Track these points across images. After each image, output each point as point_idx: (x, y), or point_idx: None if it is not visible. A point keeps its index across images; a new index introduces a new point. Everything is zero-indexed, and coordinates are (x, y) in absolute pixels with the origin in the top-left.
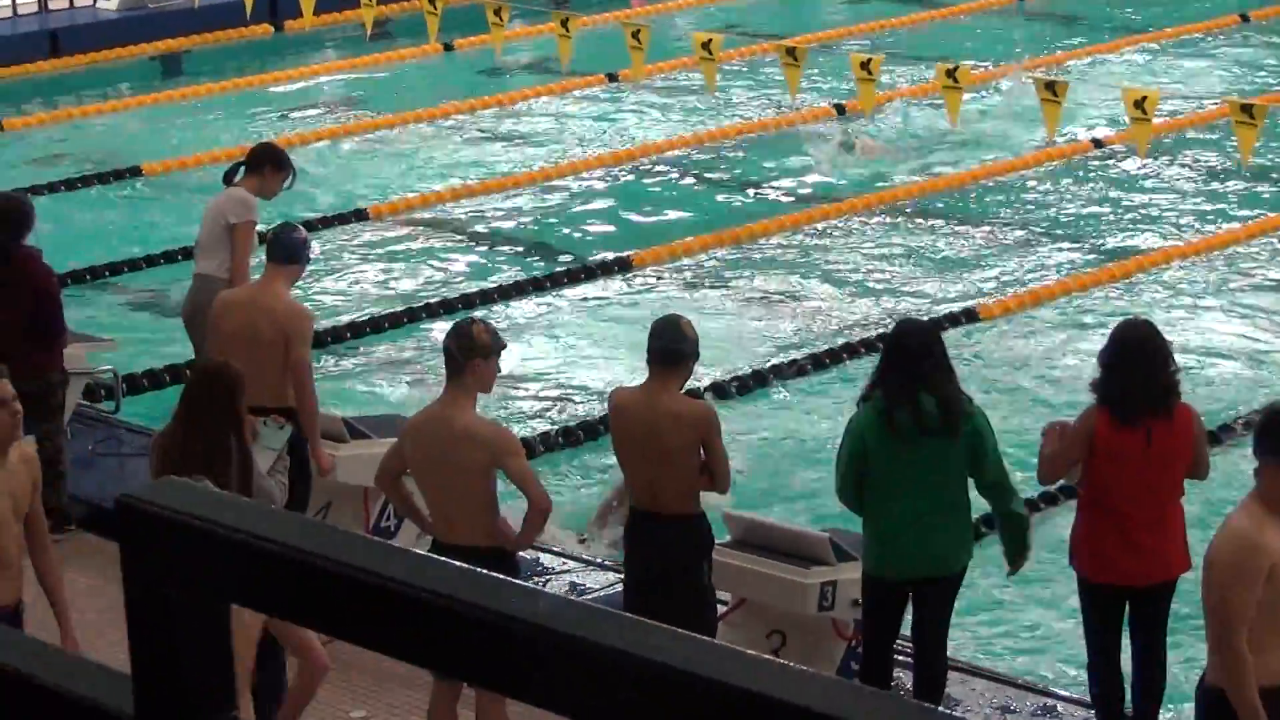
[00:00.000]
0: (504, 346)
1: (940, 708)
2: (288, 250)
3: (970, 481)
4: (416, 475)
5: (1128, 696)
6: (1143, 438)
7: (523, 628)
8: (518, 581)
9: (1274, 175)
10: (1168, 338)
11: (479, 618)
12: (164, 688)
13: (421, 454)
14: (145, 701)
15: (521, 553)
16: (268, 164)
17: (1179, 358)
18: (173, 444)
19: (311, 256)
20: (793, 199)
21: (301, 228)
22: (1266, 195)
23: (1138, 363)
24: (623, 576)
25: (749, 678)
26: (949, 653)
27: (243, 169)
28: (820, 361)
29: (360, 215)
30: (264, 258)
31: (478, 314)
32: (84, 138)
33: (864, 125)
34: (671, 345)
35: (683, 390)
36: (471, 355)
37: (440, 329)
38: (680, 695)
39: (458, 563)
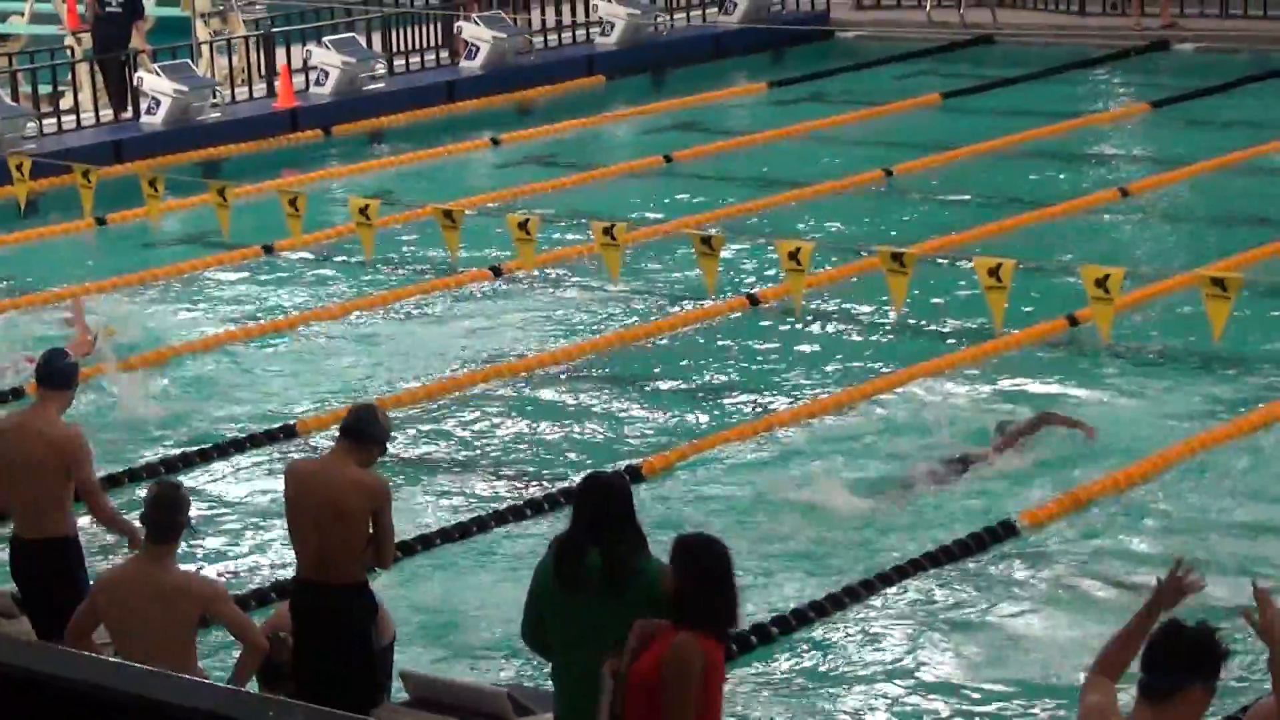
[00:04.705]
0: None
1: None
2: (60, 376)
3: None
4: (116, 634)
5: None
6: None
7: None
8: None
9: (924, 326)
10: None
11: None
12: None
13: (122, 612)
14: None
15: None
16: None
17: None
18: None
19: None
20: (454, 362)
21: (70, 353)
22: (919, 346)
23: (730, 577)
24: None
25: None
26: None
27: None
28: (485, 524)
29: (17, 393)
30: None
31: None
32: None
33: None
34: (363, 425)
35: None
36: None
37: None
38: None
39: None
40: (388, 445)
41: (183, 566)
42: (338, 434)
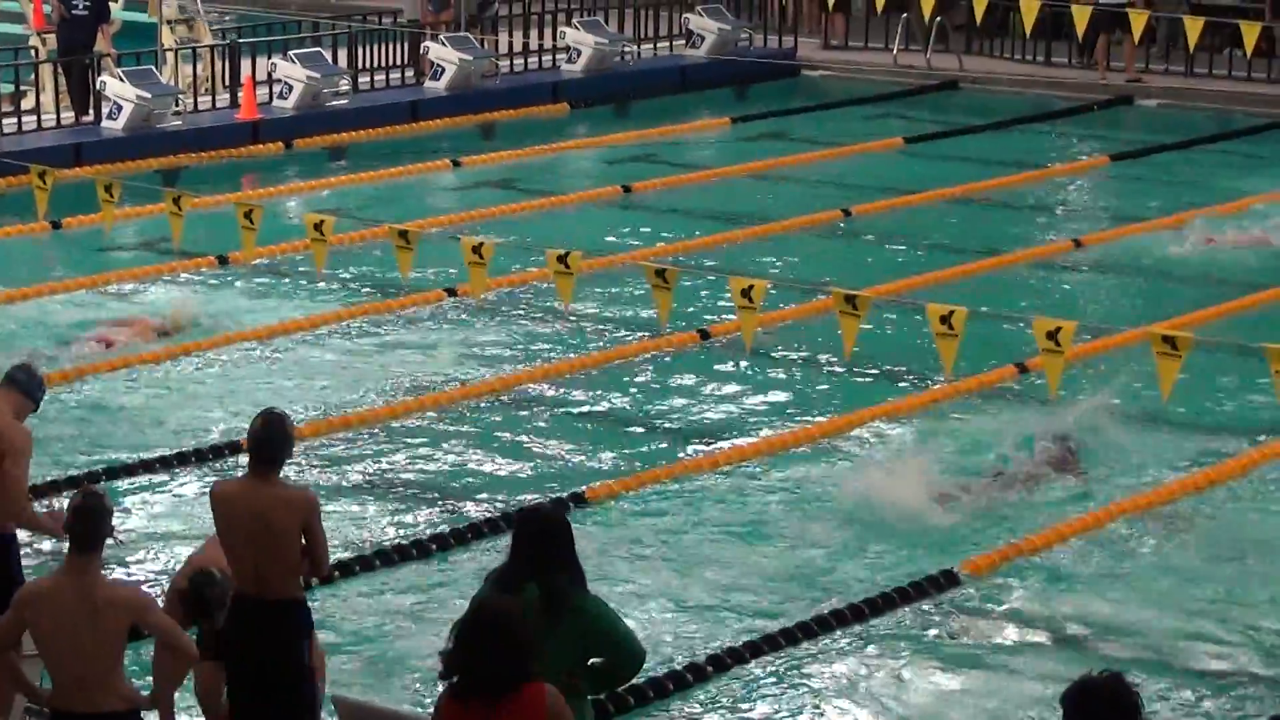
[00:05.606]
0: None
1: None
2: (14, 379)
3: None
4: (45, 646)
5: None
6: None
7: None
8: None
9: (874, 368)
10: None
11: None
12: None
13: (52, 625)
14: None
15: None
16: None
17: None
18: None
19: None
20: (403, 383)
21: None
22: (867, 385)
23: (473, 634)
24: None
25: None
26: None
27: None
28: (424, 550)
29: None
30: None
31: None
32: None
33: None
34: (276, 450)
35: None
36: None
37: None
38: None
39: None
40: (291, 451)
41: (112, 578)
42: (251, 455)
